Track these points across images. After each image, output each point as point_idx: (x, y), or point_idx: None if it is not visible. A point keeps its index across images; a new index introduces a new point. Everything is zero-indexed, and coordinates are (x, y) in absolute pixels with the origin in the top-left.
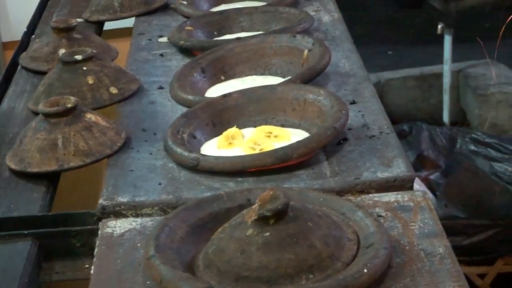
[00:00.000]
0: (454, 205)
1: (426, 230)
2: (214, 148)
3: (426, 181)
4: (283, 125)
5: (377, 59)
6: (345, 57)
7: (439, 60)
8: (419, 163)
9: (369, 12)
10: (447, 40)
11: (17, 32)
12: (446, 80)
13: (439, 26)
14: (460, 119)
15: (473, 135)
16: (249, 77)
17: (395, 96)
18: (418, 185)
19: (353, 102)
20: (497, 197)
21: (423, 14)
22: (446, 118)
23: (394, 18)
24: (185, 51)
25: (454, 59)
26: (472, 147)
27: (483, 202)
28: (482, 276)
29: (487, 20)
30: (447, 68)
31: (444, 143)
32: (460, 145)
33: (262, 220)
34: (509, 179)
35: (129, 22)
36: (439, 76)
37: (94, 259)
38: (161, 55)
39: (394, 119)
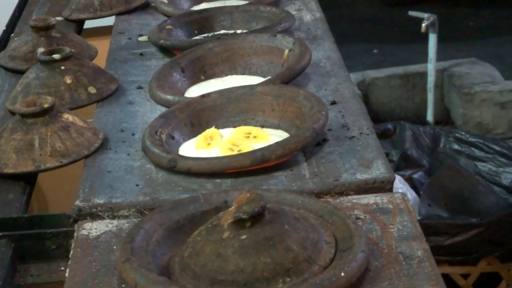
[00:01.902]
0: (437, 204)
1: (405, 233)
2: (193, 148)
3: (410, 181)
4: (262, 126)
5: (362, 58)
6: (326, 57)
7: (424, 58)
8: (403, 162)
9: (354, 10)
10: (432, 39)
11: None
12: (431, 79)
13: (424, 25)
14: (444, 118)
15: (457, 134)
16: (229, 77)
17: (380, 94)
18: (401, 184)
19: (333, 103)
20: (480, 197)
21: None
22: (430, 117)
23: (379, 17)
24: (165, 50)
25: (439, 58)
26: (456, 147)
27: (467, 202)
28: (465, 276)
29: (472, 18)
30: (431, 67)
31: (427, 142)
32: (443, 144)
33: (239, 223)
34: (493, 178)
35: (109, 21)
36: (423, 75)
37: (69, 262)
38: (141, 54)
39: (379, 118)
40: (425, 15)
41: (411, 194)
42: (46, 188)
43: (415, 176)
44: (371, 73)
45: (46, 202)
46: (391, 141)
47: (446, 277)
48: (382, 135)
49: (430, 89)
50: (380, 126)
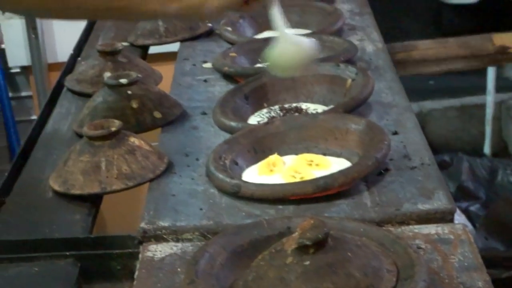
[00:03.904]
0: (494, 237)
1: (466, 264)
2: (255, 175)
3: (466, 213)
4: (324, 154)
5: (418, 88)
6: (387, 87)
7: (481, 90)
8: (459, 194)
9: (411, 40)
10: (491, 71)
11: (62, 53)
12: (489, 111)
13: None
14: (502, 151)
15: None
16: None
17: (436, 126)
18: (458, 216)
19: (395, 133)
20: None
21: None
22: (487, 149)
23: None
24: (229, 77)
25: (496, 90)
26: None
27: None
28: None
29: None
30: (490, 99)
31: (484, 174)
32: (501, 177)
33: (302, 249)
34: None
35: (173, 47)
36: (480, 106)
37: (134, 282)
38: (205, 80)
39: (435, 149)
40: None
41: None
42: (104, 209)
43: (472, 208)
44: (427, 104)
45: (104, 222)
46: (447, 172)
47: None
48: (439, 166)
49: (488, 121)
50: (436, 158)
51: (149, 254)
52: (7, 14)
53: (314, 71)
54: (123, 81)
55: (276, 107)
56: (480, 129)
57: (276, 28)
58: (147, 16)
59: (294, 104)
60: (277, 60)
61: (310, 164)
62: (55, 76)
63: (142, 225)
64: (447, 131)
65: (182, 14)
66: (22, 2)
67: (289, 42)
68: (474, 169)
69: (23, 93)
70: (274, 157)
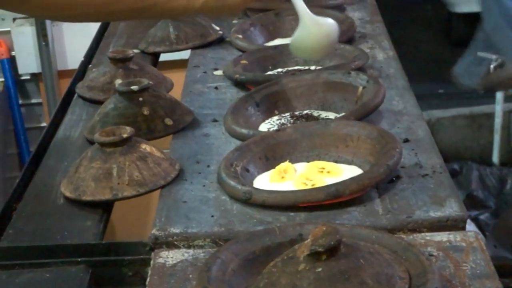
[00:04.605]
0: (503, 246)
1: (478, 271)
2: (267, 182)
3: (475, 221)
4: (335, 161)
5: (428, 97)
6: (399, 95)
7: (489, 99)
8: (469, 203)
9: (420, 50)
10: None
11: (71, 60)
12: (498, 120)
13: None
14: (510, 160)
15: None
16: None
17: (445, 135)
18: (467, 224)
19: (406, 140)
20: None
21: None
22: (496, 158)
23: (445, 56)
24: (240, 84)
25: (506, 99)
26: None
27: None
28: None
29: None
30: (499, 108)
31: (494, 183)
32: (510, 186)
33: (314, 256)
34: None
35: (184, 54)
36: (489, 116)
37: None
38: (216, 88)
39: (443, 158)
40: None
41: None
42: (114, 216)
43: (481, 217)
44: (437, 113)
45: (113, 229)
46: (457, 181)
47: None
48: None
49: (497, 130)
50: (446, 166)
51: (161, 260)
52: (18, 21)
53: (325, 78)
54: (135, 88)
55: (287, 114)
56: (489, 138)
57: (298, 11)
58: (174, 14)
59: (305, 112)
60: (300, 42)
61: (322, 171)
62: (65, 83)
63: (154, 231)
64: (456, 140)
65: (208, 7)
66: (62, 10)
67: (311, 24)
68: (484, 178)
69: (33, 100)
70: (285, 164)
